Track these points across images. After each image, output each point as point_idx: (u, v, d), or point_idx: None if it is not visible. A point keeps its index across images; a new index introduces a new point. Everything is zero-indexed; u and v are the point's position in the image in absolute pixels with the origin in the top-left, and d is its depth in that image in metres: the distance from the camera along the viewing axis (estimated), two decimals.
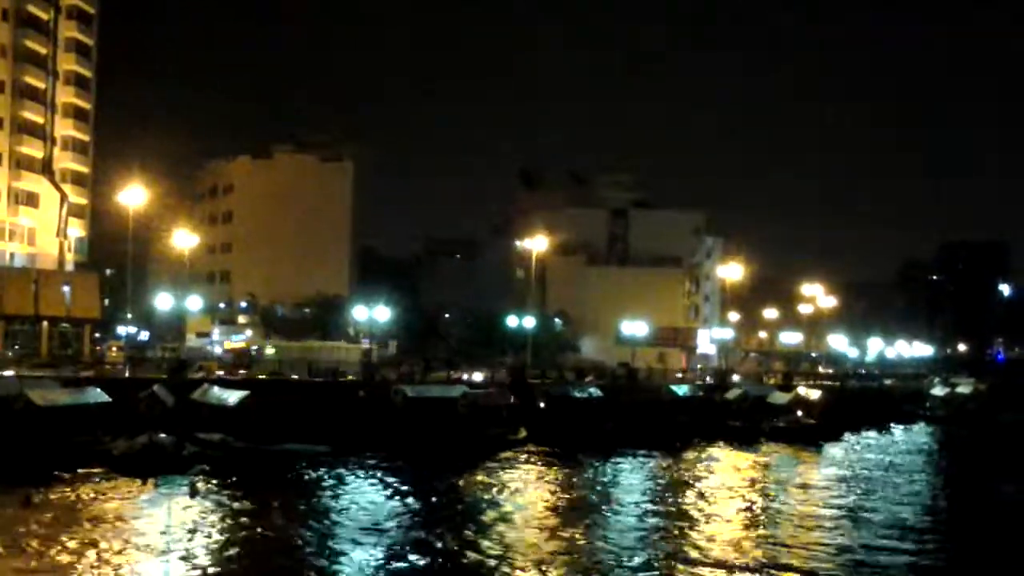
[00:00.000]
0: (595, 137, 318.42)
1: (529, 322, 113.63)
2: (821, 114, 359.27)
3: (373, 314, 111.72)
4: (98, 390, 61.32)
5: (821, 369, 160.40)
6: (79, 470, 54.25)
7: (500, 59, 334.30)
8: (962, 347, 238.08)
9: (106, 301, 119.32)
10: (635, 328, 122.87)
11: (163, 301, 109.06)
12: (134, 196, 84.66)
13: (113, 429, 59.66)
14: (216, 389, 66.36)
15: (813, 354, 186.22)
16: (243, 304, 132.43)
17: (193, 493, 49.94)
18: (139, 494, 50.62)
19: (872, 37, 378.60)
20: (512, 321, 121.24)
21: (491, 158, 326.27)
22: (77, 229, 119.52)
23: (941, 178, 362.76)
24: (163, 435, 59.01)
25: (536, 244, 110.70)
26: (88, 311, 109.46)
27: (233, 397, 64.17)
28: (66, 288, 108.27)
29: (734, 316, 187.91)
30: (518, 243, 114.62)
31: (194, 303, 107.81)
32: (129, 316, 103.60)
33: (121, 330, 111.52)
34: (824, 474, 73.92)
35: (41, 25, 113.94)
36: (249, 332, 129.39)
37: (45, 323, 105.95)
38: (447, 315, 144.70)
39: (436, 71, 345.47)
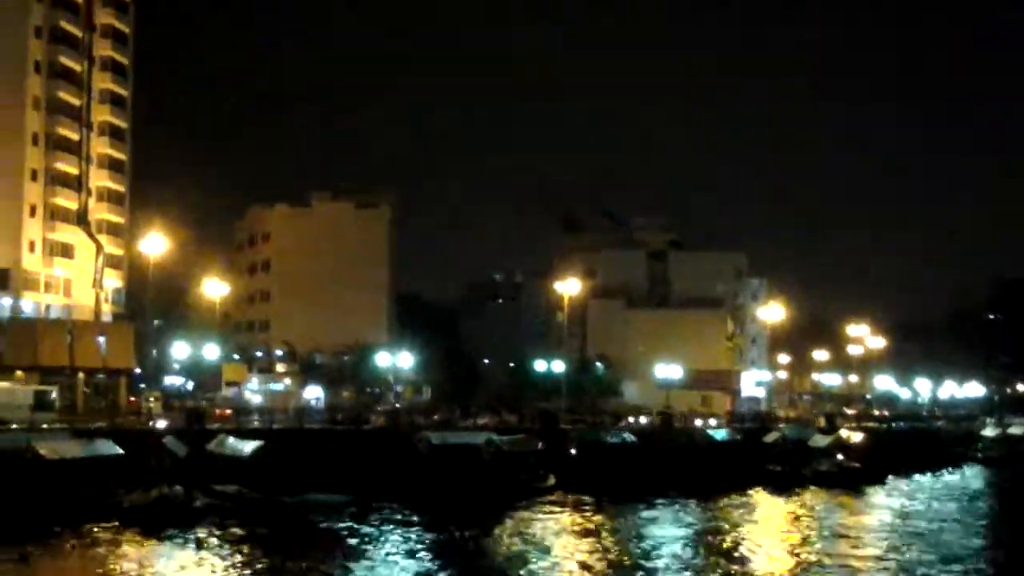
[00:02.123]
0: (631, 173, 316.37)
1: (559, 366, 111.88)
2: (867, 146, 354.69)
3: (397, 360, 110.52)
4: (110, 442, 60.34)
5: (875, 411, 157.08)
6: (88, 524, 53.21)
7: (536, 96, 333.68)
8: (1021, 387, 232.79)
9: (153, 352, 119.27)
10: (670, 371, 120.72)
11: (195, 351, 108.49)
12: (156, 245, 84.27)
13: (127, 482, 58.59)
14: (231, 439, 65.28)
15: (867, 396, 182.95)
16: (279, 352, 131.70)
17: (199, 547, 48.70)
18: (145, 549, 49.42)
19: (911, 59, 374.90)
20: (541, 366, 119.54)
21: (530, 197, 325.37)
22: (114, 280, 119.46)
23: (996, 211, 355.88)
24: (177, 487, 57.85)
25: (569, 287, 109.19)
26: (123, 362, 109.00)
27: (248, 447, 63.02)
28: (101, 339, 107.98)
29: (784, 358, 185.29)
30: (558, 287, 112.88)
31: (211, 352, 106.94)
32: (175, 366, 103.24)
33: (168, 380, 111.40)
34: (865, 522, 71.36)
35: (74, 76, 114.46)
36: (287, 381, 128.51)
37: (80, 374, 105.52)
38: (486, 360, 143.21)
39: (474, 113, 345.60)
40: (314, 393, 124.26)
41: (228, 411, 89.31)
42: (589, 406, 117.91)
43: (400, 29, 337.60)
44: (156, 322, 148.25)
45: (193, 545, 49.42)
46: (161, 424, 73.92)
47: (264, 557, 48.06)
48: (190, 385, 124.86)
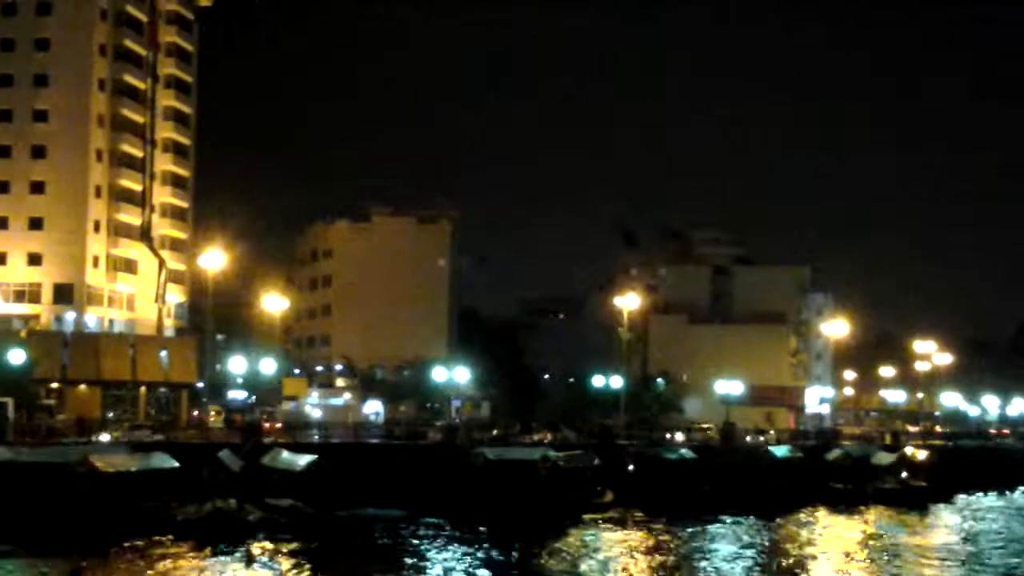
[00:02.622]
0: (690, 188, 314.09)
1: (616, 382, 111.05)
2: (932, 162, 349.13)
3: (453, 375, 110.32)
4: (166, 455, 60.56)
5: (939, 428, 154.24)
6: (142, 538, 53.29)
7: (598, 112, 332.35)
8: None
9: (218, 366, 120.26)
10: (730, 387, 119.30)
11: (252, 365, 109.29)
12: (215, 260, 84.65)
13: (182, 495, 58.77)
14: (286, 453, 65.30)
15: (936, 412, 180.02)
16: (338, 367, 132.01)
17: (249, 561, 48.60)
18: (194, 563, 49.39)
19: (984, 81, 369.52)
20: (599, 381, 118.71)
21: (591, 212, 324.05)
22: (176, 295, 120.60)
23: None
24: (231, 501, 57.95)
25: (628, 302, 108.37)
26: (185, 376, 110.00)
27: (302, 461, 63.00)
28: (163, 353, 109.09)
29: (850, 375, 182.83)
30: (616, 302, 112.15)
31: (267, 366, 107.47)
32: (237, 380, 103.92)
33: (232, 394, 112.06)
34: (930, 542, 69.66)
35: (138, 94, 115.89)
36: (347, 395, 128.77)
37: (143, 388, 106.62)
38: (546, 376, 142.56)
39: (536, 128, 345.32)
40: (373, 408, 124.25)
41: (278, 424, 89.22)
42: (649, 422, 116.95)
43: (460, 45, 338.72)
44: (219, 336, 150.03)
45: (243, 559, 49.16)
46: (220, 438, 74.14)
47: (315, 572, 47.79)
48: (253, 399, 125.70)
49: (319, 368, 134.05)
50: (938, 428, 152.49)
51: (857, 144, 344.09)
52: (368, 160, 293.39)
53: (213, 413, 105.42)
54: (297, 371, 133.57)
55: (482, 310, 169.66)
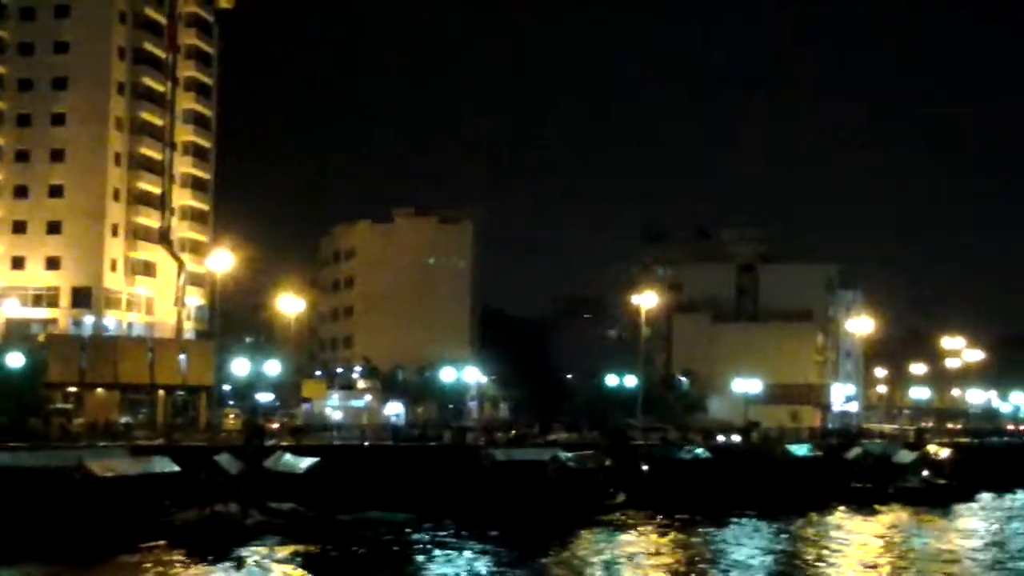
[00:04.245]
0: (719, 188, 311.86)
1: (631, 381, 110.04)
2: (959, 162, 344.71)
3: (464, 376, 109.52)
4: (166, 459, 60.05)
5: (959, 426, 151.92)
6: (139, 543, 52.79)
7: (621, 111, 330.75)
8: None
9: (231, 369, 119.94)
10: (748, 386, 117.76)
11: (255, 367, 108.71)
12: (223, 262, 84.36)
13: (182, 500, 58.29)
14: (288, 456, 64.72)
15: (968, 410, 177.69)
16: (358, 368, 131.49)
17: (239, 567, 48.01)
18: (185, 570, 48.68)
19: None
20: (612, 380, 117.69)
21: (617, 213, 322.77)
22: (196, 298, 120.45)
23: None
24: (232, 505, 57.45)
25: (646, 301, 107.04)
26: (204, 379, 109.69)
27: (304, 464, 62.42)
28: (182, 356, 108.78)
29: (881, 372, 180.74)
30: (634, 300, 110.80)
31: (272, 367, 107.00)
32: (261, 383, 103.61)
33: (260, 397, 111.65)
34: (946, 545, 68.10)
35: (157, 97, 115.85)
36: (368, 397, 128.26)
37: (161, 392, 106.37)
38: (569, 376, 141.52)
39: (559, 127, 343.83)
40: (394, 409, 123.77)
41: (276, 425, 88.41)
42: (672, 422, 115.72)
43: (477, 46, 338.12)
44: (248, 339, 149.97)
45: (234, 565, 48.60)
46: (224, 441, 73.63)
47: None
48: (270, 401, 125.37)
49: (339, 370, 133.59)
50: (956, 425, 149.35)
51: (883, 144, 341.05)
52: (393, 161, 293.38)
53: (232, 416, 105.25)
54: (318, 373, 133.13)
55: (509, 311, 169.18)
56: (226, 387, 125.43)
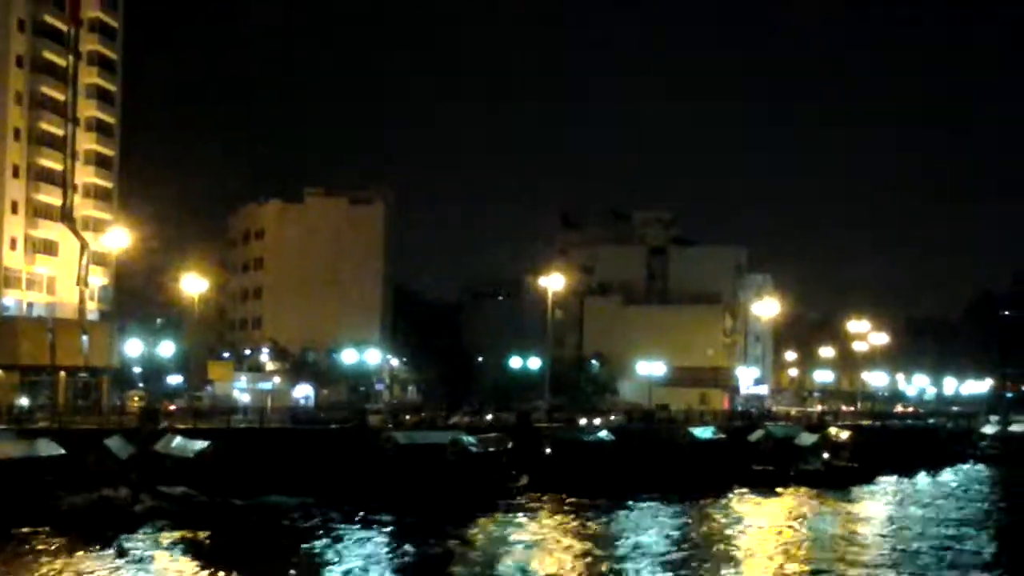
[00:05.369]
0: (636, 171, 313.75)
1: (535, 363, 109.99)
2: (880, 140, 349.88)
3: (364, 357, 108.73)
4: (52, 442, 58.58)
5: (857, 407, 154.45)
6: (20, 529, 51.37)
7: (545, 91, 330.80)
8: None
9: (141, 350, 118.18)
10: (652, 368, 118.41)
11: (149, 348, 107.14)
12: (119, 239, 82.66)
13: (70, 484, 56.94)
14: (179, 439, 63.50)
15: (885, 393, 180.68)
16: (266, 350, 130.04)
17: (120, 555, 46.91)
18: (64, 558, 47.31)
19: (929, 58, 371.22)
20: (516, 363, 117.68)
21: (533, 195, 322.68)
22: (100, 278, 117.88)
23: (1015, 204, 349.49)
24: (122, 489, 56.26)
25: (553, 283, 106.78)
26: (106, 360, 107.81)
27: (195, 447, 61.29)
28: (85, 338, 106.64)
29: (791, 355, 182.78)
30: (542, 282, 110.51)
31: (166, 349, 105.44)
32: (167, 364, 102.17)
33: (171, 380, 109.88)
34: (849, 527, 68.88)
35: (58, 71, 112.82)
36: (276, 379, 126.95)
37: (62, 373, 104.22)
38: (480, 359, 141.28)
39: (474, 110, 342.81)
40: (304, 392, 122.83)
41: (173, 408, 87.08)
42: (584, 404, 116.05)
43: (399, 25, 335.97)
44: (158, 320, 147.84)
45: (115, 552, 47.49)
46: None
47: (197, 565, 46.17)
48: (179, 384, 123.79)
49: (248, 352, 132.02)
50: (852, 408, 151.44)
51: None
52: (306, 142, 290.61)
53: (137, 399, 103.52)
54: (227, 355, 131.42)
55: (426, 295, 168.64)
56: (137, 369, 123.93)
